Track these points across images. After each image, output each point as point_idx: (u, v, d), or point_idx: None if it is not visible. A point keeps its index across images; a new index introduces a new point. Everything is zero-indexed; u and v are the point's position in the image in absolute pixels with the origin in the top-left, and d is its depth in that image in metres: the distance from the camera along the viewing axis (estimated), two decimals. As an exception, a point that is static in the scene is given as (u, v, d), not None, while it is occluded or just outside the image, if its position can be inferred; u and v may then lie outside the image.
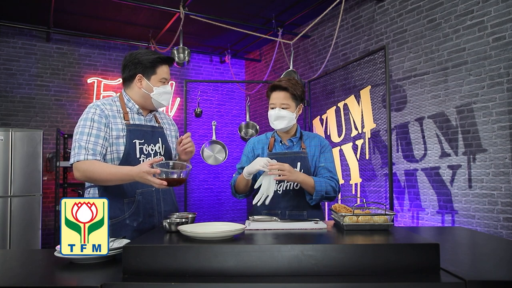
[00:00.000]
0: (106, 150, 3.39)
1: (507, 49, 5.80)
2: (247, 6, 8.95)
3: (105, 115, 3.42)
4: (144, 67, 3.52)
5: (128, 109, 3.57)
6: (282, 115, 3.70)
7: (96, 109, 3.42)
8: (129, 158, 3.40)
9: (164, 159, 3.21)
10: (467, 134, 6.23)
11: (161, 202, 3.60)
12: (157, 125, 3.72)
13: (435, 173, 6.70)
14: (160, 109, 3.88)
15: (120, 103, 3.58)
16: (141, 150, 3.49)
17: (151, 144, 3.57)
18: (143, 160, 3.46)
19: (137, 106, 3.59)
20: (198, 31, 10.27)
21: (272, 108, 3.74)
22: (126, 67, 3.58)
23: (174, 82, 11.53)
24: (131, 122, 3.53)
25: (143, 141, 3.52)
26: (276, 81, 3.76)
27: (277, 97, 3.72)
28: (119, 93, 3.71)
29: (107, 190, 3.42)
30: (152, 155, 3.55)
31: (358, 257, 2.25)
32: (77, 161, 3.27)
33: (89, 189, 3.52)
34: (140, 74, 3.53)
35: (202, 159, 8.80)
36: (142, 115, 3.63)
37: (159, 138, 3.65)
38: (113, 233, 3.24)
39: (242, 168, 3.88)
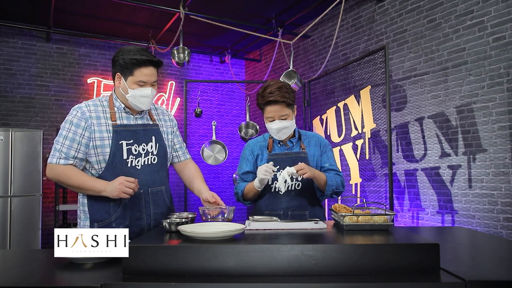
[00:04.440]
0: (85, 153, 3.32)
1: (507, 49, 5.79)
2: (247, 6, 8.96)
3: (86, 117, 3.33)
4: (121, 66, 3.36)
5: (116, 109, 3.47)
6: (284, 126, 3.64)
7: (77, 111, 3.35)
8: (115, 160, 3.34)
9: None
10: (467, 134, 6.23)
11: (150, 205, 3.49)
12: (151, 122, 3.61)
13: (435, 173, 6.70)
14: (158, 104, 3.77)
15: (109, 103, 3.49)
16: (129, 151, 3.39)
17: (142, 144, 3.46)
18: (132, 162, 3.41)
19: (123, 105, 3.47)
20: (198, 31, 10.28)
21: (272, 121, 3.67)
22: (112, 63, 3.48)
23: (174, 82, 11.55)
24: (118, 122, 3.43)
25: (131, 141, 3.41)
26: (267, 93, 3.61)
27: (274, 110, 3.62)
28: (111, 92, 3.59)
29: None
30: (143, 155, 3.46)
31: (358, 257, 2.25)
32: (49, 163, 3.30)
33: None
34: (118, 73, 3.40)
35: (202, 159, 8.80)
36: (132, 114, 3.51)
37: (153, 137, 3.55)
38: None
39: (246, 173, 3.87)
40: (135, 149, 3.42)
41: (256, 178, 3.60)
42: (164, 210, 3.61)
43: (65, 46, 10.41)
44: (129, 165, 3.39)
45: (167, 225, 2.80)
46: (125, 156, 3.37)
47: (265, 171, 3.48)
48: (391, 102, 7.10)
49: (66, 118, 3.36)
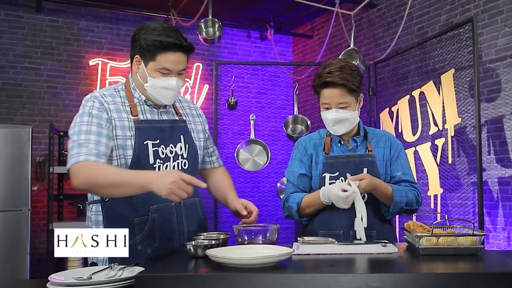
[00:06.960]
0: (112, 152, 3.27)
1: None
2: (294, -34, 8.94)
3: (105, 108, 3.30)
4: (142, 47, 3.33)
5: (136, 100, 3.47)
6: (342, 117, 3.62)
7: (94, 102, 3.32)
8: (139, 165, 3.30)
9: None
10: None
11: (183, 221, 3.46)
12: (177, 118, 3.60)
13: (540, 183, 6.66)
14: (181, 95, 3.71)
15: (126, 93, 3.48)
16: (155, 153, 3.37)
17: (170, 145, 3.43)
18: (159, 167, 3.37)
19: (144, 97, 3.47)
20: (232, -2, 10.27)
21: (327, 109, 3.66)
22: (132, 41, 3.44)
23: (201, 64, 11.47)
24: (141, 117, 3.42)
25: (158, 141, 3.39)
26: (325, 72, 3.61)
27: (331, 95, 3.61)
28: (125, 80, 3.58)
29: (112, 207, 3.31)
30: (172, 158, 3.43)
31: (438, 290, 2.26)
32: (75, 163, 3.12)
33: (91, 205, 3.45)
34: (138, 55, 3.38)
35: (237, 163, 8.80)
36: (155, 108, 3.51)
37: (181, 136, 3.52)
38: (123, 263, 2.91)
39: (300, 176, 3.84)
40: (162, 151, 3.40)
41: (325, 194, 3.54)
42: (200, 229, 3.56)
43: (61, 18, 10.41)
44: (156, 171, 3.35)
45: (192, 248, 2.81)
46: (151, 160, 3.35)
47: (345, 200, 3.39)
48: (480, 90, 7.03)
49: (81, 111, 3.31)
